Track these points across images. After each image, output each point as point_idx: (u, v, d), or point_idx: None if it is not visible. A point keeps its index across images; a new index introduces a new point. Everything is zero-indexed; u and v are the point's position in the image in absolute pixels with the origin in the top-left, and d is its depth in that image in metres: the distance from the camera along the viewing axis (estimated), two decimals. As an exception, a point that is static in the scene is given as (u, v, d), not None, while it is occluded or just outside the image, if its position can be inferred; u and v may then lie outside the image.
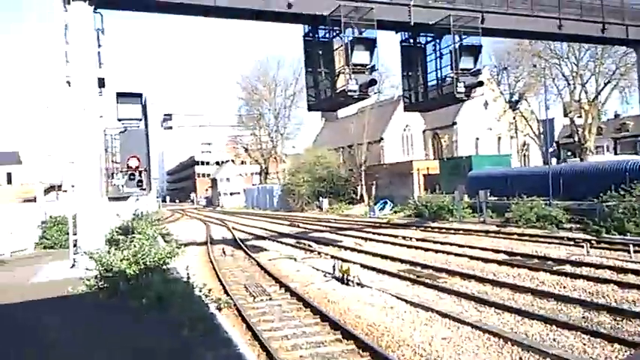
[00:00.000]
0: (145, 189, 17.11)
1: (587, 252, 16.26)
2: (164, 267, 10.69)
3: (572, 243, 18.66)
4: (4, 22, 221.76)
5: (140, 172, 16.45)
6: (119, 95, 16.66)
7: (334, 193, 52.80)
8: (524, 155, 61.59)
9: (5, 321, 8.91)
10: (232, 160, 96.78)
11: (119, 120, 16.72)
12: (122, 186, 16.63)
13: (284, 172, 68.94)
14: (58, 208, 22.89)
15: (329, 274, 15.27)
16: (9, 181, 72.44)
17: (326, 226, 33.55)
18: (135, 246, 10.67)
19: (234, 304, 11.56)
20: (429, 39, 20.10)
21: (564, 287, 12.17)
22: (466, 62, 18.81)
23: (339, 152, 58.78)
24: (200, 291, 9.99)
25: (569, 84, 46.55)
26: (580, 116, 48.19)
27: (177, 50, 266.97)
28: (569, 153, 56.40)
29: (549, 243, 19.15)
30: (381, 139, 61.35)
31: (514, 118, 55.41)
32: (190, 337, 7.15)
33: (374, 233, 26.81)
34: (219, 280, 15.15)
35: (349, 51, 16.70)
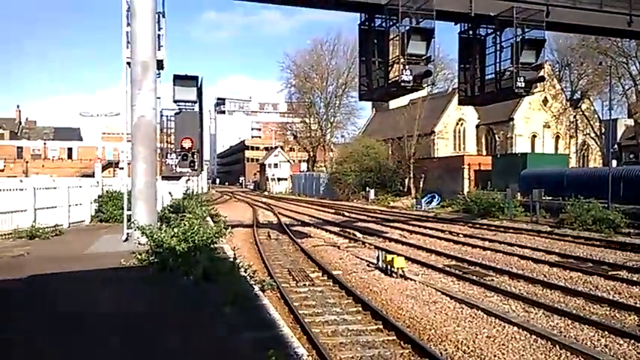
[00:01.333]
0: (196, 170, 17.53)
1: (646, 259, 15.49)
2: (212, 246, 10.92)
3: (629, 248, 17.80)
4: (70, 6, 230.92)
5: (193, 153, 16.85)
6: (176, 78, 17.09)
7: (381, 184, 52.42)
8: (583, 156, 59.16)
9: (59, 288, 9.34)
10: (281, 147, 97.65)
11: (175, 102, 17.17)
12: (175, 166, 17.10)
13: (332, 160, 69.00)
14: (114, 183, 23.81)
15: (372, 264, 15.21)
16: (69, 156, 75.98)
17: (371, 217, 33.40)
18: (185, 224, 10.95)
19: (278, 287, 11.71)
20: (489, 31, 19.51)
21: (619, 293, 11.63)
22: (527, 56, 18.16)
23: (388, 143, 58.14)
24: (245, 271, 10.15)
25: (636, 84, 44.29)
26: (646, 118, 45.80)
27: (234, 35, 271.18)
28: (631, 155, 53.76)
29: (605, 247, 18.35)
30: (433, 132, 60.28)
31: (574, 116, 53.24)
32: (233, 315, 7.28)
33: (420, 226, 26.47)
34: (264, 263, 15.38)
35: (405, 41, 16.42)
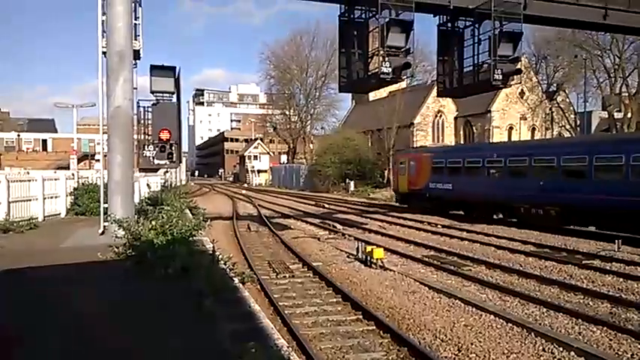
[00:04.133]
0: (174, 162, 17.29)
1: (619, 248, 15.88)
2: (190, 239, 10.84)
3: (603, 238, 18.21)
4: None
5: (171, 145, 16.60)
6: (153, 68, 16.77)
7: (361, 176, 52.65)
8: (559, 148, 60.04)
9: (35, 283, 9.19)
10: (261, 139, 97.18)
11: (152, 92, 16.88)
12: (153, 158, 16.83)
13: (312, 152, 68.99)
14: (90, 175, 23.42)
15: (352, 255, 15.29)
16: (44, 148, 74.47)
17: (351, 208, 33.54)
18: (163, 217, 10.84)
19: (258, 279, 11.71)
20: (467, 24, 19.63)
21: (593, 282, 11.93)
22: (505, 49, 18.31)
23: (368, 135, 58.36)
24: (225, 264, 10.11)
25: (610, 77, 45.14)
26: (619, 110, 46.75)
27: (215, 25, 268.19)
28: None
29: (579, 237, 18.74)
30: (412, 124, 60.67)
31: (550, 109, 54.07)
32: (213, 308, 7.24)
33: (399, 217, 26.68)
34: (244, 255, 15.35)
35: (384, 33, 16.42)
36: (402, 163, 32.80)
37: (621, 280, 11.96)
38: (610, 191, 18.42)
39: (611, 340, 8.00)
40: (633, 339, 7.94)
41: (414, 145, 58.96)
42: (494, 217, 24.36)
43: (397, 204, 34.12)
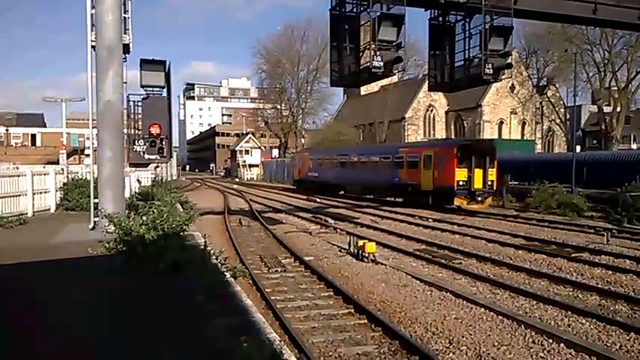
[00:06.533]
0: (165, 156, 17.21)
1: (608, 241, 16.03)
2: (182, 234, 10.79)
3: (592, 231, 18.41)
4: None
5: (161, 140, 16.51)
6: (143, 62, 16.63)
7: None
8: (549, 141, 60.60)
9: (24, 279, 9.13)
10: (252, 133, 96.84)
11: (142, 87, 16.76)
12: (143, 152, 16.72)
13: (303, 146, 68.90)
14: (80, 170, 23.24)
15: (344, 249, 15.32)
16: (33, 143, 73.81)
17: (343, 202, 33.57)
18: (154, 212, 10.77)
19: (249, 274, 11.68)
20: (458, 18, 19.63)
21: (582, 274, 12.05)
22: (495, 43, 18.31)
23: (360, 129, 58.31)
24: (216, 259, 10.08)
25: (599, 71, 45.46)
26: (609, 104, 47.17)
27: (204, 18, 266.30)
28: (594, 141, 55.31)
29: (569, 230, 18.94)
30: (403, 118, 60.77)
31: (540, 103, 54.42)
32: (205, 303, 7.23)
33: (391, 212, 26.74)
34: (235, 250, 15.31)
35: (376, 27, 16.37)
36: (295, 160, 48.79)
37: (610, 272, 12.08)
38: (374, 176, 33.75)
39: (600, 331, 8.09)
40: (622, 330, 8.04)
41: (406, 140, 59.28)
42: (339, 192, 39.61)
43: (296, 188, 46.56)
